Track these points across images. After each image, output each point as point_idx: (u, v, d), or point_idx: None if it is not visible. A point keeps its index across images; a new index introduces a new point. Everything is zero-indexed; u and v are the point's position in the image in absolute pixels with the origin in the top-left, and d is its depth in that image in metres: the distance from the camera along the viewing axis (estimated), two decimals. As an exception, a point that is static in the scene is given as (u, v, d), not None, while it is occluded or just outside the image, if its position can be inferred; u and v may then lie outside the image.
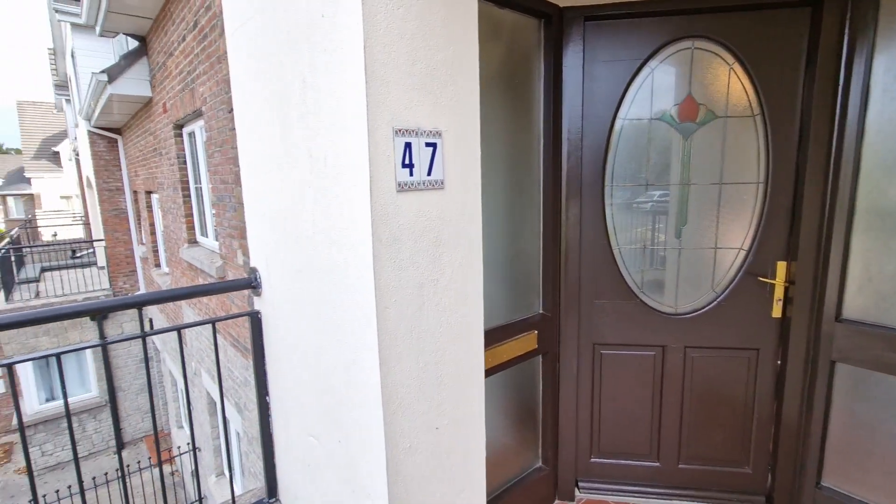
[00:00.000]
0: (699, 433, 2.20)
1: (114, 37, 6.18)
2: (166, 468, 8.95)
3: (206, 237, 5.09)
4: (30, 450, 8.88)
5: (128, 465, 7.04)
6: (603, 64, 2.00)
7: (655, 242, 2.17)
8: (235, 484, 5.37)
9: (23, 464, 9.54)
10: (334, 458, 1.38)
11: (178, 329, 1.61)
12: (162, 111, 5.44)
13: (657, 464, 2.26)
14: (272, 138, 1.46)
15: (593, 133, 2.06)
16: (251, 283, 1.73)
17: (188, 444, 7.50)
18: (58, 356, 1.47)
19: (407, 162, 1.10)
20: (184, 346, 6.73)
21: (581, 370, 2.21)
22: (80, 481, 1.67)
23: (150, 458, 9.40)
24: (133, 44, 5.93)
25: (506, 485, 2.08)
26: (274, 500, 1.92)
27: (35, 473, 9.13)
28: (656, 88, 2.05)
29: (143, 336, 1.59)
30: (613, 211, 2.15)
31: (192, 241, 5.34)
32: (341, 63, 1.07)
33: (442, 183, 1.20)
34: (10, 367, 1.40)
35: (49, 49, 17.39)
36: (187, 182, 5.23)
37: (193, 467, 7.54)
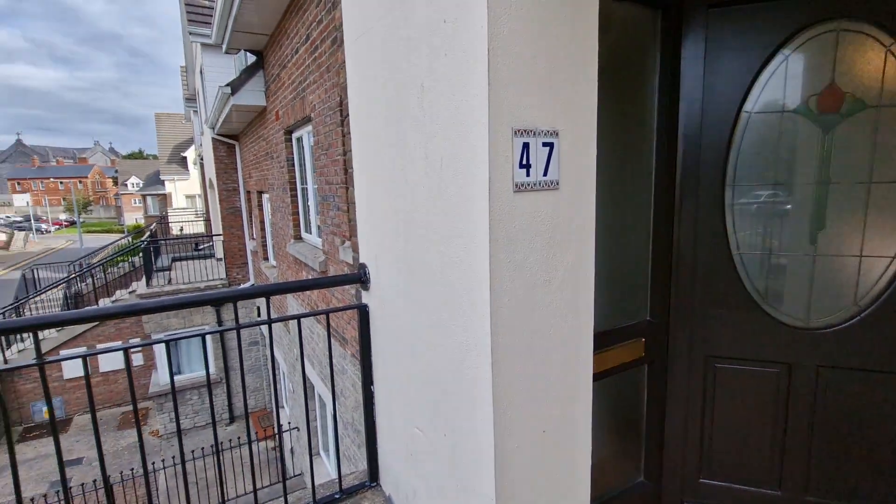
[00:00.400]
0: (834, 463, 1.94)
1: (236, 53, 6.92)
2: (269, 443, 9.85)
3: (310, 234, 5.50)
4: (159, 416, 10.16)
5: (238, 437, 7.87)
6: (727, 54, 1.84)
7: (783, 248, 1.95)
8: (329, 465, 5.76)
9: (156, 426, 11.06)
10: (439, 450, 1.43)
11: (298, 318, 1.76)
12: (275, 118, 5.98)
13: (778, 492, 2.03)
14: (387, 141, 1.54)
15: (714, 129, 1.90)
16: (360, 278, 1.85)
17: (288, 423, 8.19)
18: (202, 336, 1.67)
19: (524, 162, 1.11)
20: (286, 333, 7.35)
21: (691, 383, 2.05)
22: (180, 450, 1.89)
23: (255, 432, 10.40)
24: (251, 59, 6.59)
25: (606, 496, 2.00)
26: (375, 484, 2.03)
27: (162, 437, 10.54)
28: (790, 77, 1.84)
29: (269, 322, 1.76)
30: (734, 213, 1.97)
31: (298, 237, 5.81)
32: (463, 66, 1.10)
33: (557, 183, 1.19)
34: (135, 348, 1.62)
35: (182, 67, 19.92)
36: (294, 183, 5.70)
37: (291, 445, 8.17)
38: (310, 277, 5.17)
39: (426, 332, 1.42)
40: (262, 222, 8.89)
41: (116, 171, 66.26)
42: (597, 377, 1.78)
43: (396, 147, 1.48)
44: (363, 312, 1.87)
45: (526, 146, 1.11)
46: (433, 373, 1.41)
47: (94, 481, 5.97)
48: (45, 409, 11.03)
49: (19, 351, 10.40)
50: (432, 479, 1.50)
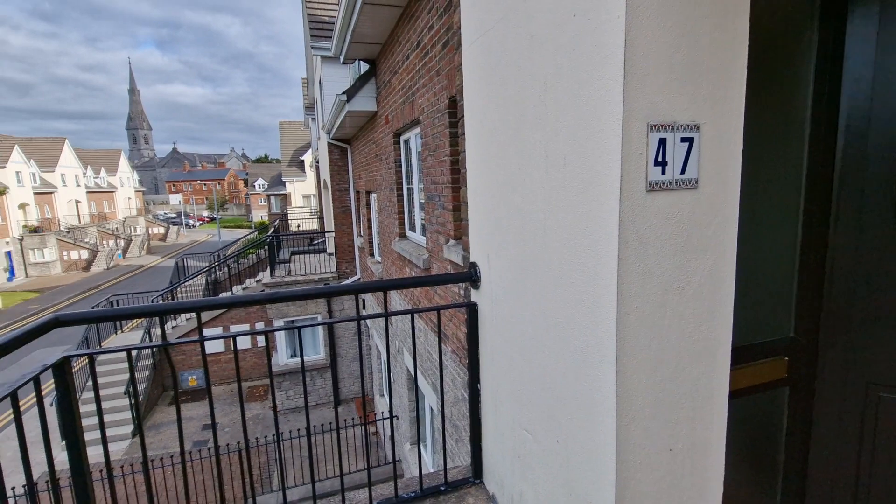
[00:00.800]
0: None
1: (352, 63, 7.44)
2: (367, 429, 10.48)
3: (414, 232, 5.73)
4: (277, 393, 11.30)
5: (344, 420, 8.49)
6: (911, 26, 1.54)
7: (985, 260, 1.58)
8: (427, 456, 5.95)
9: (272, 402, 12.35)
10: (551, 457, 1.39)
11: (412, 312, 1.83)
12: (384, 122, 6.33)
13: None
14: (504, 141, 1.54)
15: (886, 120, 1.61)
16: (471, 277, 1.87)
17: (389, 412, 8.63)
18: (330, 325, 1.82)
19: (659, 159, 1.03)
20: (388, 326, 7.75)
21: (846, 414, 1.76)
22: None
23: (358, 417, 11.12)
24: (364, 67, 7.05)
25: (732, 530, 1.80)
26: (479, 481, 2.05)
27: (280, 412, 11.72)
28: None
29: (386, 315, 1.86)
30: (913, 216, 1.64)
31: (402, 235, 6.08)
32: (594, 60, 1.06)
33: (696, 182, 1.09)
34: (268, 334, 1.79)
35: (303, 79, 21.94)
36: (401, 183, 5.97)
37: (390, 433, 8.58)
38: (413, 274, 5.39)
39: (541, 334, 1.40)
40: (369, 220, 9.47)
41: (247, 174, 75.38)
42: (730, 395, 1.61)
43: (514, 146, 1.47)
44: (472, 311, 1.89)
45: (662, 142, 1.03)
46: (547, 377, 1.38)
47: (227, 444, 6.90)
48: (190, 377, 12.91)
49: (173, 327, 12.28)
50: (542, 485, 1.47)
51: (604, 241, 1.07)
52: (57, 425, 8.59)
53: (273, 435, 9.56)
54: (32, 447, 1.34)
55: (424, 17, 3.95)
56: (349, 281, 11.71)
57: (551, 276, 1.31)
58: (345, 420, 7.10)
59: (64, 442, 1.52)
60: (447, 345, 4.15)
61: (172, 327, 12.34)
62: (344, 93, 6.71)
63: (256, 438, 8.52)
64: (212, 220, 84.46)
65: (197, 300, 1.48)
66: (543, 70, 1.26)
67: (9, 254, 32.37)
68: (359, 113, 7.13)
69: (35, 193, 36.41)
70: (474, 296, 1.92)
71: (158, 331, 12.38)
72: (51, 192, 38.49)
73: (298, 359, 12.12)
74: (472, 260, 1.91)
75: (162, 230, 57.63)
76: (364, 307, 11.45)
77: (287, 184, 41.95)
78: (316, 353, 12.31)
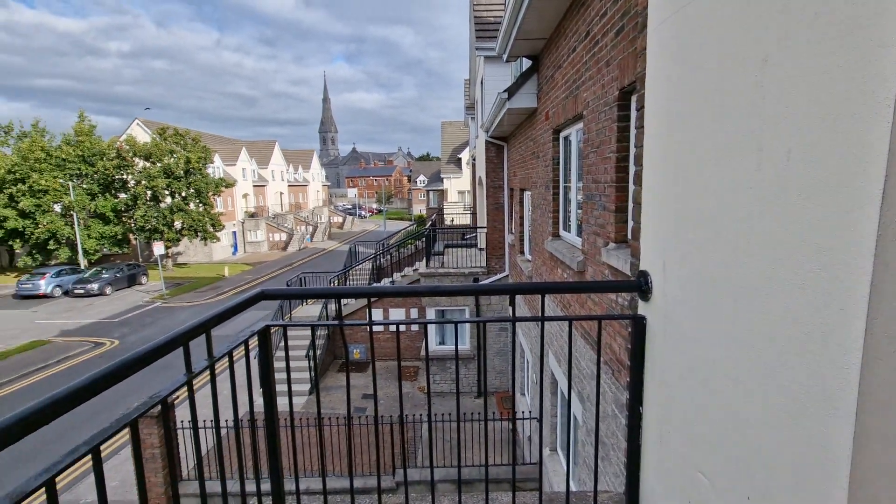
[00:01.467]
0: None
1: (515, 60, 7.45)
2: (507, 425, 10.51)
3: (569, 232, 5.49)
4: (424, 377, 12.13)
5: (492, 412, 8.68)
6: None
7: None
8: (565, 466, 5.69)
9: (423, 384, 13.22)
10: (736, 513, 1.15)
11: (570, 319, 1.72)
12: (544, 119, 6.18)
13: None
14: (696, 133, 1.32)
15: None
16: (640, 287, 1.67)
17: (529, 412, 8.52)
18: (483, 323, 1.81)
19: (952, 152, 0.74)
20: (535, 325, 7.62)
21: None
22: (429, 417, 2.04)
23: (496, 412, 11.24)
24: (526, 65, 6.98)
25: None
26: (633, 514, 1.84)
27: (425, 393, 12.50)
28: None
29: (542, 320, 1.78)
30: None
31: (556, 235, 5.88)
32: (847, 24, 0.81)
33: None
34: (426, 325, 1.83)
35: (465, 80, 22.87)
36: (557, 181, 5.77)
37: (529, 433, 8.43)
38: (565, 275, 5.17)
39: (732, 365, 1.16)
40: (522, 218, 9.41)
41: (410, 171, 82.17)
42: None
43: (710, 139, 1.24)
44: (639, 325, 1.69)
45: (958, 128, 0.74)
46: (738, 417, 1.14)
47: (381, 416, 7.65)
48: (354, 350, 14.63)
49: (344, 304, 14.03)
50: (720, 542, 1.23)
51: (847, 258, 0.82)
52: (256, 377, 10.58)
53: (418, 414, 10.26)
54: (240, 390, 1.63)
55: (596, 5, 3.70)
56: (497, 277, 11.87)
57: (755, 297, 1.07)
58: (492, 412, 7.23)
59: (262, 390, 1.83)
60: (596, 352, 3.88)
61: (344, 304, 14.13)
62: (505, 91, 6.75)
63: (406, 416, 9.23)
64: (379, 211, 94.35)
65: (370, 287, 1.60)
66: (762, 44, 1.02)
67: (234, 233, 40.97)
68: (518, 110, 7.10)
69: (254, 186, 45.36)
70: (642, 308, 1.71)
71: (334, 307, 14.27)
72: (264, 185, 47.51)
73: (446, 346, 12.76)
74: (642, 268, 1.70)
75: (340, 219, 66.53)
76: (514, 305, 11.49)
77: (444, 180, 44.43)
78: (462, 343, 12.80)
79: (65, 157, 28.69)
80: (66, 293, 24.85)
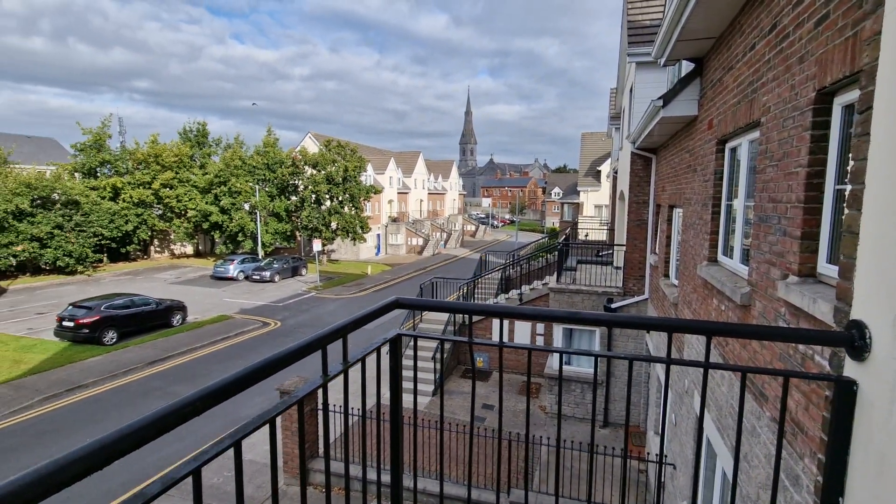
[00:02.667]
0: None
1: (673, 65, 6.77)
2: (635, 463, 9.51)
3: (730, 258, 4.74)
4: (547, 396, 11.52)
5: (613, 448, 7.97)
6: None
7: None
8: (710, 530, 4.88)
9: (545, 403, 12.73)
10: None
11: (744, 371, 1.40)
12: (706, 128, 5.46)
13: None
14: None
15: None
16: (851, 341, 1.29)
17: (665, 456, 7.58)
18: (609, 343, 1.60)
19: None
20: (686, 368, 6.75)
21: None
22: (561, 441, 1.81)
23: (621, 447, 10.28)
24: (685, 70, 6.27)
25: None
26: None
27: (548, 414, 11.97)
28: None
29: (668, 362, 1.49)
30: None
31: (712, 260, 5.13)
32: None
33: None
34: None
35: (612, 89, 21.69)
36: (719, 199, 5.04)
37: (662, 479, 7.51)
38: (722, 307, 4.46)
39: None
40: (668, 238, 8.48)
41: (546, 183, 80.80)
42: None
43: None
44: (845, 390, 1.31)
45: None
46: None
47: (493, 430, 7.53)
48: (478, 358, 14.76)
49: (470, 312, 14.25)
50: None
51: None
52: (381, 376, 11.29)
53: (539, 435, 9.87)
54: (370, 382, 1.69)
55: (788, -8, 3.12)
56: (635, 300, 10.88)
57: None
58: (612, 448, 6.61)
59: (389, 392, 1.87)
60: (765, 407, 3.23)
61: (470, 312, 14.34)
62: (660, 98, 6.15)
63: (519, 433, 8.95)
64: (511, 222, 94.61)
65: (503, 306, 1.52)
66: None
67: (378, 236, 44.85)
68: (674, 119, 6.41)
69: (398, 193, 49.16)
70: (851, 368, 1.32)
71: (459, 317, 14.58)
72: (407, 192, 51.17)
73: (572, 367, 12.11)
74: (855, 317, 1.32)
75: (473, 228, 68.32)
76: (669, 343, 10.41)
77: (581, 193, 42.71)
78: (589, 366, 12.01)
79: (254, 165, 34.61)
80: (246, 278, 29.80)
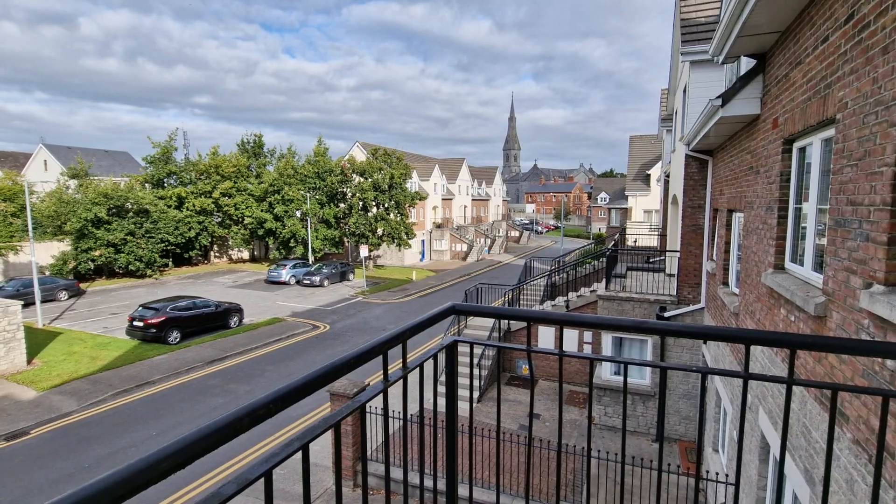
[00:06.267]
0: None
1: (732, 62, 6.45)
2: (689, 481, 9.01)
3: (799, 265, 4.43)
4: (595, 407, 11.18)
5: (667, 464, 7.58)
6: None
7: None
8: (778, 557, 4.54)
9: (593, 414, 12.35)
10: None
11: (835, 388, 1.31)
12: (771, 126, 5.16)
13: None
14: None
15: None
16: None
17: (724, 474, 7.14)
18: (662, 353, 1.53)
19: None
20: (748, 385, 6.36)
21: None
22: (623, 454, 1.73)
23: (678, 464, 9.78)
24: (746, 67, 5.94)
25: None
26: None
27: (596, 425, 11.59)
28: None
29: (746, 377, 1.40)
30: None
31: (779, 267, 4.82)
32: None
33: None
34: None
35: (663, 90, 20.92)
36: (786, 202, 4.73)
37: (724, 500, 7.09)
38: (791, 318, 4.18)
39: None
40: (727, 244, 8.04)
41: (591, 188, 78.81)
42: None
43: None
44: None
45: None
46: None
47: (541, 440, 7.35)
48: (524, 365, 14.55)
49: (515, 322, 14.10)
50: None
51: None
52: (429, 383, 11.35)
53: (584, 447, 9.58)
54: (413, 388, 1.71)
55: (867, -21, 2.90)
56: (689, 309, 10.37)
57: None
58: (668, 464, 6.31)
59: (445, 398, 1.88)
60: (845, 429, 2.98)
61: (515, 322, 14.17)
62: (718, 97, 5.87)
63: (567, 444, 8.72)
64: (556, 228, 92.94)
65: (561, 314, 1.50)
66: None
67: (423, 241, 45.33)
68: (733, 119, 6.10)
69: (442, 199, 49.55)
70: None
71: (502, 323, 14.45)
72: (451, 199, 51.49)
73: (621, 377, 11.68)
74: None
75: (517, 234, 67.66)
76: (747, 356, 9.87)
77: (629, 198, 41.33)
78: (641, 378, 11.55)
79: (306, 174, 36.01)
80: (297, 282, 30.95)
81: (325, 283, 30.64)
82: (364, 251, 30.59)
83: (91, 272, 29.77)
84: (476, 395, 13.22)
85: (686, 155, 10.19)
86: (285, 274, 30.89)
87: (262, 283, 31.31)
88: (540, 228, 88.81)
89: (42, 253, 27.82)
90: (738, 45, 5.34)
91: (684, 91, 11.59)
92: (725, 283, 8.01)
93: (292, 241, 35.58)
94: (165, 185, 36.64)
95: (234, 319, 20.77)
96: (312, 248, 35.03)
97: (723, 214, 8.38)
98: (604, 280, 12.50)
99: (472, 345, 1.77)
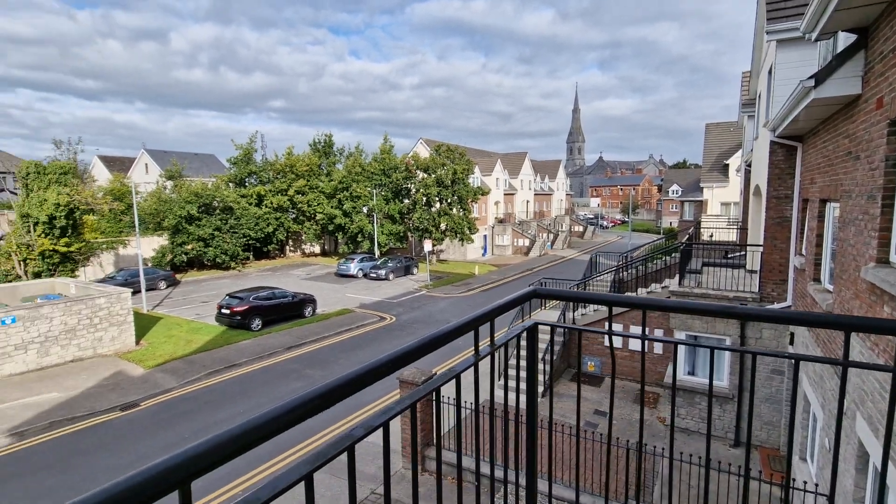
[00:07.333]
0: None
1: (828, 38, 5.95)
2: (773, 490, 8.45)
3: (906, 258, 4.07)
4: (667, 406, 10.85)
5: (738, 467, 7.21)
6: None
7: None
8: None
9: (663, 414, 11.91)
10: None
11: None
12: (874, 107, 4.74)
13: None
14: None
15: None
16: None
17: (813, 483, 6.67)
18: (754, 360, 1.56)
19: None
20: (831, 377, 5.91)
21: None
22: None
23: (760, 471, 9.21)
24: (843, 44, 5.46)
25: None
26: None
27: (668, 426, 11.18)
28: None
29: (845, 365, 1.39)
30: None
31: (882, 261, 4.45)
32: None
33: None
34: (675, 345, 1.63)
35: (744, 73, 19.42)
36: (892, 189, 4.35)
37: (813, 512, 6.63)
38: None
39: None
40: (819, 236, 7.44)
41: (662, 180, 74.59)
42: None
43: None
44: None
45: None
46: None
47: (618, 438, 7.26)
48: (589, 362, 14.27)
49: (581, 314, 13.86)
50: None
51: None
52: (500, 372, 11.42)
53: (658, 447, 9.29)
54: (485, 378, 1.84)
55: None
56: (775, 307, 9.66)
57: None
58: (738, 467, 6.01)
59: (525, 386, 2.00)
60: (956, 433, 2.76)
61: (581, 314, 13.93)
62: (810, 77, 5.47)
63: (636, 443, 8.51)
64: (622, 222, 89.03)
65: (644, 298, 1.59)
66: None
67: (484, 237, 45.41)
68: (827, 100, 5.65)
69: (504, 194, 49.28)
70: None
71: (570, 314, 14.25)
72: (513, 194, 51.07)
73: (696, 378, 11.15)
74: None
75: (580, 229, 65.72)
76: (792, 340, 9.18)
77: (704, 189, 38.75)
78: (718, 378, 10.95)
79: (372, 171, 37.36)
80: (364, 275, 32.29)
81: (391, 276, 31.68)
82: (428, 246, 31.26)
83: (184, 264, 32.92)
84: (540, 389, 13.18)
85: (771, 142, 9.49)
86: (353, 267, 32.32)
87: (332, 276, 32.98)
88: (605, 223, 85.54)
89: (145, 247, 31.17)
90: (836, 19, 4.95)
91: (769, 73, 10.76)
92: (817, 280, 7.43)
93: (359, 235, 37.11)
94: (246, 184, 39.58)
95: (309, 309, 22.11)
96: (378, 242, 36.31)
97: (814, 205, 7.75)
98: (676, 276, 11.96)
99: (552, 327, 1.88)
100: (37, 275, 20.57)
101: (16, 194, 29.00)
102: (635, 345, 13.37)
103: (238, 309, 19.67)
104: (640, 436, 1.85)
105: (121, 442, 11.29)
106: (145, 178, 44.81)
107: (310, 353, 17.49)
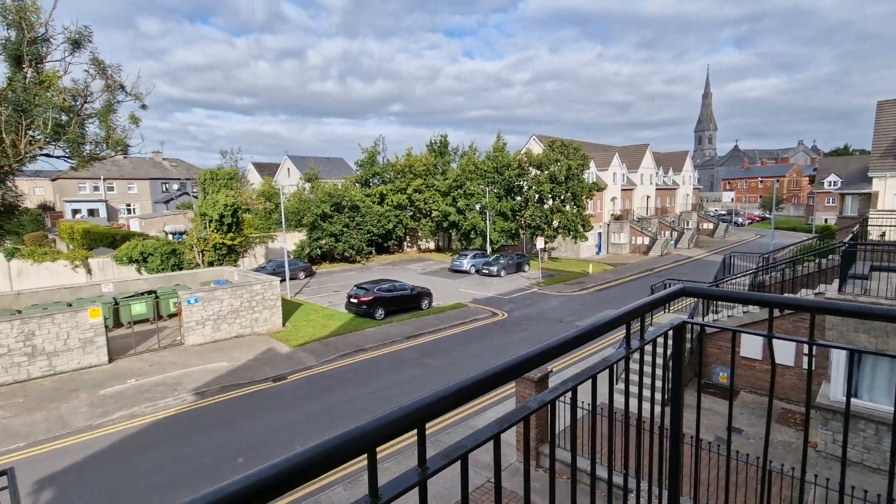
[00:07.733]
0: None
1: None
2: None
3: None
4: (821, 433, 9.56)
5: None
6: None
7: None
8: None
9: (815, 439, 10.53)
10: None
11: None
12: None
13: None
14: None
15: None
16: None
17: None
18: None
19: None
20: None
21: None
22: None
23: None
24: None
25: None
26: None
27: (821, 454, 9.88)
28: None
29: None
30: None
31: None
32: None
33: None
34: (811, 348, 1.63)
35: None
36: None
37: None
38: None
39: None
40: None
41: (815, 170, 63.70)
42: None
43: None
44: None
45: None
46: None
47: (747, 455, 6.70)
48: (722, 373, 13.13)
49: (713, 320, 12.79)
50: None
51: None
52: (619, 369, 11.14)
53: (807, 474, 8.30)
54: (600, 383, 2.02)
55: None
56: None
57: None
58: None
59: (670, 389, 2.12)
60: None
61: (713, 319, 12.85)
62: None
63: (782, 465, 7.73)
64: (763, 219, 78.21)
65: (810, 300, 1.66)
66: None
67: (599, 234, 43.52)
68: None
69: (622, 189, 46.62)
70: None
71: (700, 318, 13.22)
72: (632, 189, 48.06)
73: (860, 401, 9.68)
74: None
75: (710, 226, 59.32)
76: None
77: (875, 180, 32.33)
78: (888, 402, 9.37)
79: (485, 169, 38.11)
80: (477, 271, 33.14)
81: (502, 273, 32.06)
82: (539, 243, 31.03)
83: (318, 257, 37.01)
84: (658, 396, 12.49)
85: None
86: (466, 263, 33.35)
87: (445, 272, 34.41)
88: (741, 220, 75.99)
89: (288, 241, 35.72)
90: None
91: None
92: None
93: (472, 232, 38.16)
94: (371, 184, 43.05)
95: (425, 302, 23.47)
96: (490, 239, 36.95)
97: None
98: (836, 280, 10.46)
99: (702, 327, 2.02)
100: (210, 264, 24.83)
101: (195, 197, 35.34)
102: (782, 357, 11.98)
103: (364, 299, 21.66)
104: (804, 462, 1.82)
105: (274, 408, 13.32)
106: (287, 181, 51.10)
107: (426, 344, 18.64)
